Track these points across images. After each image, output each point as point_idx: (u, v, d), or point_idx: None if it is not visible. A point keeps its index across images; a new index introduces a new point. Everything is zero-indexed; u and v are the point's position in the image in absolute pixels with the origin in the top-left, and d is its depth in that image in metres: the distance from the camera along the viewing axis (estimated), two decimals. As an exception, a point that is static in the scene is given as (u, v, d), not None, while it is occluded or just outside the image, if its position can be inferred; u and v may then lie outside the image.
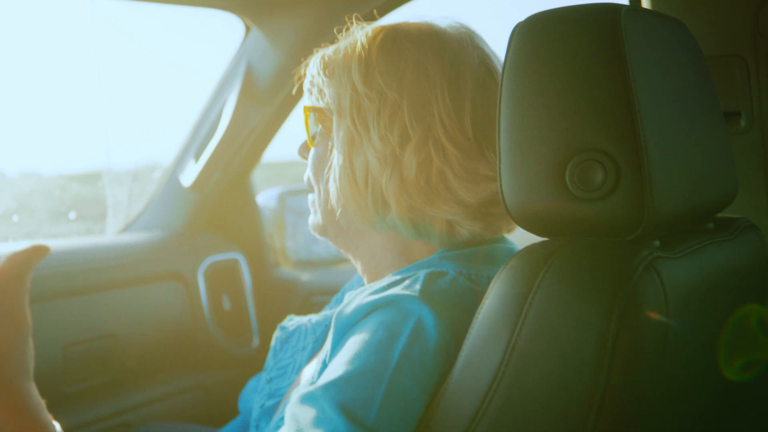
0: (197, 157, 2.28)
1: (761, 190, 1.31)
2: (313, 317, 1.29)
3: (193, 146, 2.30)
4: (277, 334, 1.31)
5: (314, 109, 1.16)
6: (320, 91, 1.15)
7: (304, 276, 2.47)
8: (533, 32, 0.86)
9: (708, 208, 0.96)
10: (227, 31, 2.17)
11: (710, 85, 1.01)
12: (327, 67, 1.14)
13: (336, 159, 1.10)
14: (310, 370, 1.08)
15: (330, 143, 1.13)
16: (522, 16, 0.89)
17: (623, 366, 0.75)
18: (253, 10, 2.01)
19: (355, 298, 1.01)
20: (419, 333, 0.92)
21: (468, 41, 1.11)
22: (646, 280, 0.77)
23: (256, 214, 2.52)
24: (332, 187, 1.11)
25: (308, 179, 1.20)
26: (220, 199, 2.39)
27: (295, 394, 0.93)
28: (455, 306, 0.96)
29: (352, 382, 0.89)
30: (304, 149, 1.23)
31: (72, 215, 2.75)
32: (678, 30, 0.95)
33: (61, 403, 1.90)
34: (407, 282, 0.99)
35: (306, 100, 1.20)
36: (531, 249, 0.86)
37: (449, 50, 1.08)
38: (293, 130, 2.34)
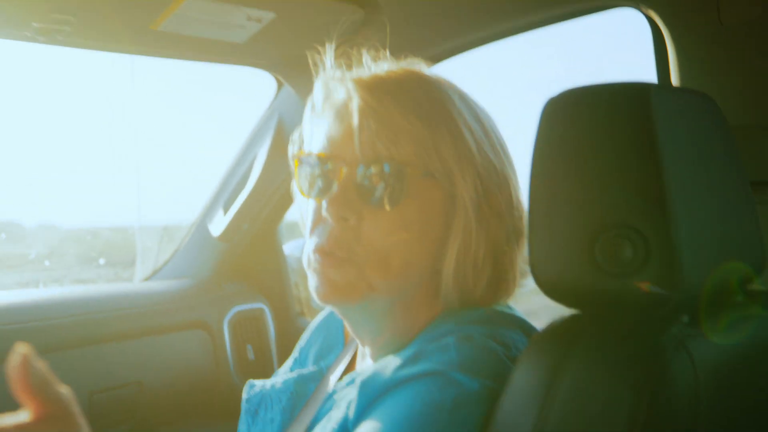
0: (226, 209, 2.31)
1: (791, 261, 1.31)
2: (276, 382, 1.23)
3: (223, 197, 2.34)
4: (244, 407, 1.23)
5: (415, 165, 1.00)
6: (418, 143, 1.00)
7: (328, 326, 2.47)
8: (564, 107, 0.87)
9: (737, 280, 0.96)
10: (259, 86, 2.22)
11: (737, 155, 1.02)
12: (418, 112, 1.00)
13: (459, 231, 1.02)
14: None
15: (421, 206, 1.02)
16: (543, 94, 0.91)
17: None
18: (286, 67, 2.05)
19: (383, 370, 0.96)
20: (461, 405, 0.89)
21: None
22: (677, 359, 0.77)
23: (282, 264, 2.54)
24: (447, 259, 1.02)
25: (364, 243, 1.02)
26: (247, 249, 2.41)
27: None
28: (492, 372, 0.93)
29: None
30: (350, 206, 1.01)
31: (102, 261, 2.80)
32: (705, 104, 0.97)
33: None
34: (437, 351, 0.95)
35: (377, 147, 1.00)
36: (561, 323, 0.86)
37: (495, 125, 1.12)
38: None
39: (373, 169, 1.00)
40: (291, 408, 1.18)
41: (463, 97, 1.08)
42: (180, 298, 2.28)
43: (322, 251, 1.02)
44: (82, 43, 1.72)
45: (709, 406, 0.80)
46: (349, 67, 1.11)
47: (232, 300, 2.38)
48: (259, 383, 1.24)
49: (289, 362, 1.35)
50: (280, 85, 2.18)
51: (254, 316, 2.44)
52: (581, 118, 0.86)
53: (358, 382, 0.98)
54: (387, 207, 1.00)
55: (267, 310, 2.47)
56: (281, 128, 2.17)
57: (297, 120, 2.19)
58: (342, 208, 1.00)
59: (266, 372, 2.41)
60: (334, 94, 1.05)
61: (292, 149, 1.16)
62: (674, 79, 1.39)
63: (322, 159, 1.04)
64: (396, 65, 1.09)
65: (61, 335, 1.91)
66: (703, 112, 0.95)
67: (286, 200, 2.32)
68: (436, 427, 0.87)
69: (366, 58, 1.11)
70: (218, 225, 2.33)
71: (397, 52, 1.14)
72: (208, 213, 2.39)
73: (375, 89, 1.01)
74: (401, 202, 1.00)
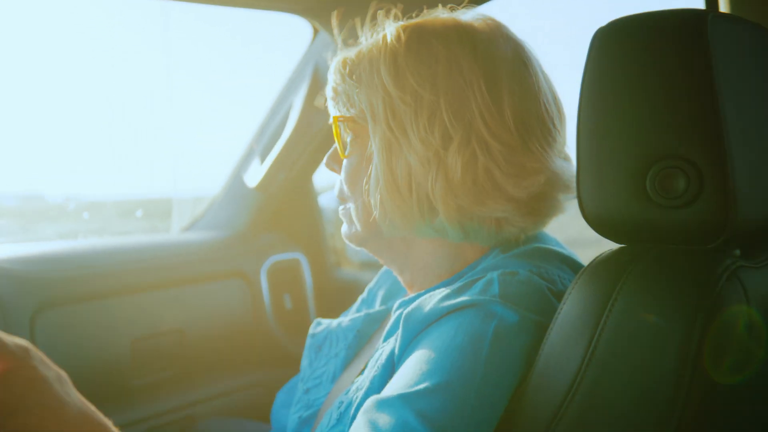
0: (263, 159, 2.31)
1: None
2: (343, 321, 1.28)
3: (258, 147, 2.34)
4: (309, 341, 1.29)
5: (344, 119, 1.12)
6: (348, 98, 1.11)
7: (364, 276, 2.49)
8: (615, 38, 0.85)
9: None
10: (294, 34, 2.20)
11: None
12: (353, 72, 1.10)
13: (375, 167, 1.07)
14: (366, 376, 1.04)
15: (365, 152, 1.10)
16: (599, 23, 0.89)
17: (706, 377, 0.74)
18: (321, 13, 2.03)
19: (425, 302, 0.99)
20: (501, 336, 0.90)
21: (498, 33, 1.07)
22: (730, 289, 0.76)
23: (318, 215, 2.55)
24: (373, 196, 1.07)
25: (341, 191, 1.16)
26: (283, 200, 2.42)
27: (370, 400, 0.91)
28: (535, 306, 0.94)
29: (437, 394, 0.87)
30: (334, 161, 1.18)
31: (139, 213, 2.82)
32: (762, 35, 0.94)
33: (129, 395, 1.96)
34: (480, 284, 0.97)
35: (332, 110, 1.15)
36: (611, 255, 0.85)
37: (480, 44, 1.05)
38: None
39: (332, 127, 1.14)
40: (357, 345, 1.23)
41: (403, 35, 1.07)
42: (217, 248, 2.30)
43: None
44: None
45: (762, 337, 0.79)
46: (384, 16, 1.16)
47: (268, 250, 2.40)
48: (325, 321, 1.31)
49: (357, 303, 1.40)
50: (315, 32, 2.16)
51: (291, 266, 2.46)
52: (633, 48, 0.83)
53: (402, 315, 0.99)
54: (342, 155, 1.14)
55: (304, 260, 2.48)
56: (317, 76, 2.15)
57: (334, 68, 2.17)
58: (328, 161, 1.19)
59: (304, 321, 2.43)
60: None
61: None
62: (723, 8, 1.35)
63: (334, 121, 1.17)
64: (398, 24, 1.11)
65: (102, 284, 1.94)
66: (759, 43, 0.92)
67: (322, 149, 2.31)
68: (477, 357, 0.88)
69: (376, 22, 1.15)
70: (254, 175, 2.33)
71: None
72: (243, 164, 2.39)
73: (338, 64, 1.13)
74: (350, 151, 1.13)
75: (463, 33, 1.06)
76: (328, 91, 1.15)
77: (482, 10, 1.17)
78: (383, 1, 1.18)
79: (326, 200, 2.62)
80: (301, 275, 2.48)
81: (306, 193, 2.50)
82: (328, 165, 1.19)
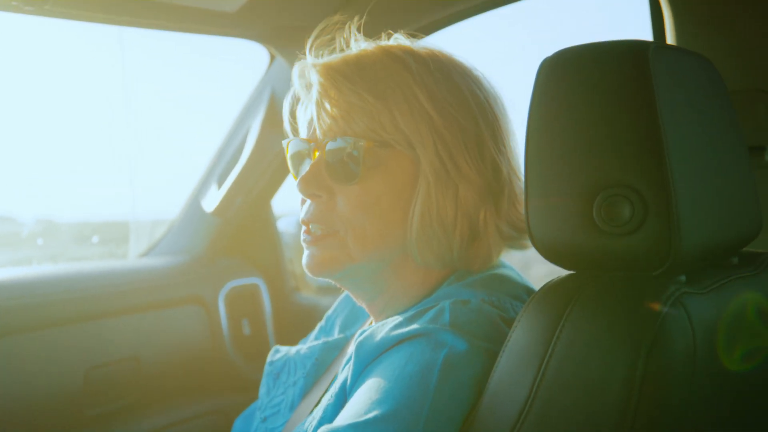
0: (220, 183, 2.30)
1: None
2: (301, 349, 1.27)
3: (216, 172, 2.33)
4: (267, 369, 1.28)
5: (370, 143, 1.03)
6: (373, 119, 1.03)
7: (323, 301, 2.48)
8: (560, 67, 0.87)
9: (733, 242, 0.96)
10: (252, 59, 2.20)
11: (735, 119, 1.01)
12: (369, 89, 1.03)
13: (423, 197, 1.03)
14: (321, 405, 1.04)
15: (390, 179, 1.05)
16: (542, 54, 0.91)
17: (651, 401, 0.75)
18: (278, 39, 2.03)
19: (377, 331, 0.99)
20: (451, 365, 0.90)
21: (480, 73, 1.13)
22: (674, 315, 0.78)
23: (277, 239, 2.53)
24: (410, 224, 1.04)
25: (324, 217, 1.08)
26: (242, 224, 2.41)
27: (322, 430, 0.90)
28: (485, 334, 0.95)
29: (387, 423, 0.86)
30: (318, 185, 1.07)
31: (95, 239, 2.78)
32: (703, 66, 0.96)
33: (82, 425, 1.91)
34: (431, 313, 0.97)
35: (336, 128, 1.04)
36: (558, 283, 0.86)
37: (483, 83, 1.11)
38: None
39: (335, 147, 1.04)
40: (314, 373, 1.22)
41: (425, 62, 1.07)
42: (175, 274, 2.27)
43: (305, 224, 1.11)
44: (70, 13, 1.69)
45: (706, 362, 0.80)
46: (341, 42, 1.15)
47: (227, 275, 2.38)
48: (284, 349, 1.29)
49: (315, 331, 1.40)
50: (272, 58, 2.17)
51: (249, 291, 2.44)
52: (578, 78, 0.85)
53: (354, 344, 0.99)
54: (349, 182, 1.05)
55: (262, 285, 2.47)
56: (274, 101, 2.15)
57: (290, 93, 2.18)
58: (310, 187, 1.07)
59: (263, 346, 2.41)
60: (302, 80, 1.12)
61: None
62: (669, 41, 1.38)
63: (296, 143, 1.13)
64: (372, 44, 1.12)
65: (57, 311, 1.90)
66: (701, 74, 0.95)
67: (280, 174, 2.31)
68: (426, 386, 0.88)
69: (346, 38, 1.14)
70: (212, 200, 2.32)
71: (386, 23, 1.15)
72: (201, 188, 2.38)
73: (333, 72, 1.06)
74: (365, 176, 1.04)
75: (468, 68, 1.11)
76: (327, 107, 1.05)
77: (432, 39, 1.19)
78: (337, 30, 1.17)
79: (285, 224, 2.61)
80: (259, 300, 2.46)
81: (264, 218, 2.49)
82: (308, 188, 1.07)
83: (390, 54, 1.07)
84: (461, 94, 1.06)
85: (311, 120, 1.10)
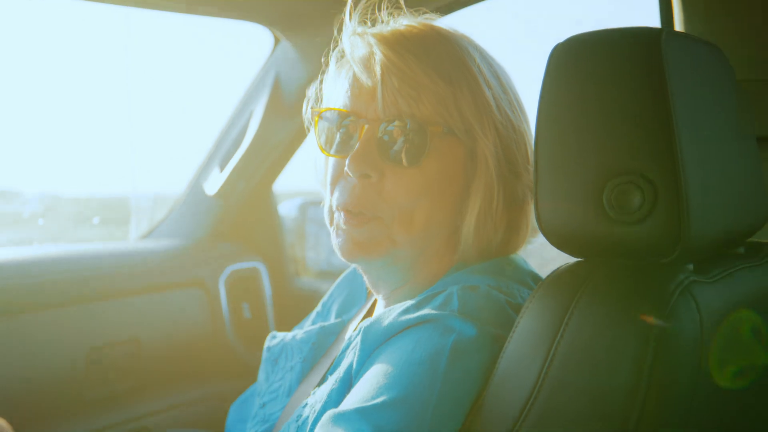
0: (222, 167, 2.29)
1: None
2: (297, 334, 1.26)
3: (218, 155, 2.32)
4: (265, 355, 1.27)
5: (438, 127, 1.01)
6: (444, 105, 1.00)
7: (323, 286, 2.48)
8: (572, 54, 0.86)
9: (740, 232, 0.96)
10: (255, 43, 2.19)
11: (745, 109, 1.01)
12: (439, 70, 1.00)
13: (480, 187, 1.04)
14: (324, 389, 1.03)
15: (450, 167, 1.04)
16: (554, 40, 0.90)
17: (660, 390, 0.75)
18: (283, 22, 2.02)
19: (384, 317, 0.98)
20: (460, 351, 0.90)
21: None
22: (683, 304, 0.77)
23: (278, 223, 2.53)
24: (468, 213, 1.04)
25: (371, 201, 1.03)
26: (243, 209, 2.40)
27: (328, 414, 0.90)
28: (494, 320, 0.94)
29: (395, 408, 0.86)
30: (371, 164, 1.02)
31: (96, 220, 2.78)
32: (715, 54, 0.96)
33: (83, 406, 1.92)
34: (440, 299, 0.97)
35: (404, 107, 1.00)
36: (567, 269, 0.86)
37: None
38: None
39: (395, 127, 1.01)
40: (312, 358, 1.22)
41: (483, 54, 1.08)
42: (175, 257, 2.27)
43: (346, 210, 1.05)
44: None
45: (714, 350, 0.80)
46: (366, 22, 1.10)
47: (227, 259, 2.38)
48: (281, 335, 1.28)
49: (312, 315, 1.38)
50: (276, 41, 2.15)
51: (250, 275, 2.44)
52: (589, 64, 0.84)
53: (361, 329, 0.98)
54: (408, 164, 1.01)
55: (263, 269, 2.46)
56: (278, 85, 2.14)
57: (294, 77, 2.18)
58: (364, 165, 1.02)
59: (262, 330, 2.42)
60: (356, 49, 1.05)
61: (307, 105, 1.16)
62: (678, 29, 1.38)
63: (343, 115, 1.05)
64: (415, 20, 1.09)
65: (58, 292, 1.90)
66: (712, 62, 0.94)
67: (283, 159, 2.30)
68: (435, 372, 0.88)
69: (384, 13, 1.10)
70: (213, 183, 2.31)
71: (407, 3, 1.13)
72: (203, 171, 2.37)
73: (397, 46, 1.01)
74: (423, 160, 1.01)
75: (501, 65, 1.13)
76: (394, 83, 0.99)
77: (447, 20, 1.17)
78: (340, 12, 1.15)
79: (286, 209, 2.61)
80: (260, 284, 2.46)
81: (266, 202, 2.48)
82: (360, 167, 1.01)
83: (450, 37, 1.06)
84: (508, 90, 1.09)
85: (356, 94, 1.04)
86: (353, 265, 1.28)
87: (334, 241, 1.08)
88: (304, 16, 1.98)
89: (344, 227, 1.06)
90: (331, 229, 1.10)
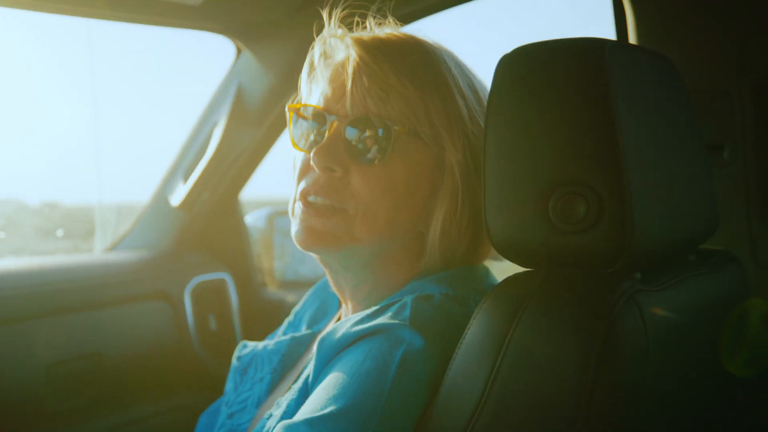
0: (186, 177, 2.28)
1: (742, 223, 1.33)
2: (268, 344, 1.26)
3: (182, 166, 2.30)
4: (234, 364, 1.27)
5: (402, 128, 1.02)
6: (412, 109, 1.03)
7: (290, 296, 2.47)
8: (518, 64, 0.87)
9: (690, 240, 0.97)
10: (221, 52, 2.18)
11: (694, 118, 1.02)
12: (412, 79, 1.03)
13: (446, 194, 1.05)
14: (285, 400, 1.04)
15: (416, 168, 1.05)
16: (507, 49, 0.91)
17: (604, 400, 0.75)
18: (245, 33, 2.02)
19: (339, 328, 0.99)
20: (408, 362, 0.90)
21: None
22: (627, 313, 0.78)
23: (244, 234, 2.51)
24: (434, 220, 1.05)
25: (336, 192, 1.05)
26: (209, 219, 2.39)
27: (279, 426, 0.90)
28: (444, 330, 0.95)
29: (342, 418, 0.86)
30: (334, 159, 1.04)
31: (60, 232, 2.75)
32: (663, 65, 0.97)
33: (43, 422, 1.89)
34: (393, 309, 0.98)
35: (372, 106, 1.03)
36: (513, 280, 0.86)
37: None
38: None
39: (361, 125, 1.03)
40: (281, 369, 1.21)
41: (460, 65, 1.09)
42: (140, 269, 2.25)
43: (304, 199, 1.06)
44: (35, 4, 1.66)
45: (659, 359, 0.81)
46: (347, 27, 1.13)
47: (193, 270, 2.36)
48: (251, 344, 1.28)
49: (283, 326, 1.38)
50: (238, 51, 2.15)
51: (216, 286, 2.42)
52: (535, 75, 0.85)
53: (317, 340, 0.99)
54: (372, 162, 1.03)
55: (229, 280, 2.45)
56: (241, 95, 2.13)
57: (257, 86, 2.17)
58: (328, 159, 1.04)
59: (229, 342, 2.40)
60: (334, 51, 1.09)
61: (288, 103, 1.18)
62: (632, 41, 1.39)
63: (314, 111, 1.08)
64: (397, 30, 1.12)
65: (18, 307, 1.87)
66: (659, 72, 0.95)
67: (248, 168, 2.29)
68: (382, 382, 0.88)
69: (370, 21, 1.13)
70: (178, 194, 2.29)
71: (366, 13, 1.14)
72: (167, 182, 2.35)
73: (372, 48, 1.04)
74: (387, 160, 1.03)
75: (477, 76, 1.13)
76: (364, 83, 1.02)
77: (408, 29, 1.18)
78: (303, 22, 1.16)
79: (253, 219, 2.60)
80: (226, 295, 2.44)
81: (232, 212, 2.47)
82: (324, 160, 1.03)
83: (425, 45, 1.08)
84: (484, 102, 1.08)
85: (329, 93, 1.06)
86: (325, 277, 1.27)
87: (292, 231, 1.09)
88: (265, 26, 1.98)
89: (302, 216, 1.07)
90: (291, 221, 1.11)
